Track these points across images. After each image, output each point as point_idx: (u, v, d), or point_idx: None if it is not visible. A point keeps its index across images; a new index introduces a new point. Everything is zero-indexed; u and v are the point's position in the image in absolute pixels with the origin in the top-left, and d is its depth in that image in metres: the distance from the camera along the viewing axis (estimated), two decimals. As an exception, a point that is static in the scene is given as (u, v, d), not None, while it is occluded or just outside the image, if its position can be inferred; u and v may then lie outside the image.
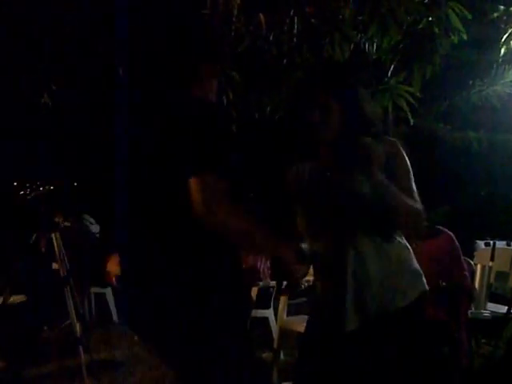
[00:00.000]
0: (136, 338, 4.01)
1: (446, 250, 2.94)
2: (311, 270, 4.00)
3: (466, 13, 3.14)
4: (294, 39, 3.07)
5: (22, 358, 3.26)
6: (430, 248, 2.93)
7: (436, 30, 3.17)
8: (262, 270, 3.79)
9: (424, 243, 2.94)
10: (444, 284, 2.83)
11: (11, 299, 3.10)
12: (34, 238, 2.99)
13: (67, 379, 3.13)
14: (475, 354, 3.22)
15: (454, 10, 3.10)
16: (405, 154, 1.62)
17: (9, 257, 3.82)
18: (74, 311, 2.92)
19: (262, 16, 2.88)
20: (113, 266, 4.43)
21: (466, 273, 2.98)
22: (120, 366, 3.43)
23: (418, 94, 3.16)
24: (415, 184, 1.62)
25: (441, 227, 3.05)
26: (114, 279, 4.44)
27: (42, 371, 3.31)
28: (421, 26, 3.22)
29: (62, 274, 2.97)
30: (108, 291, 4.53)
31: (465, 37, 3.21)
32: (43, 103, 3.10)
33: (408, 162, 1.61)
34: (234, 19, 2.95)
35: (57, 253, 2.96)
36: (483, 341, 3.52)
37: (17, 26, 3.24)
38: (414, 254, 2.88)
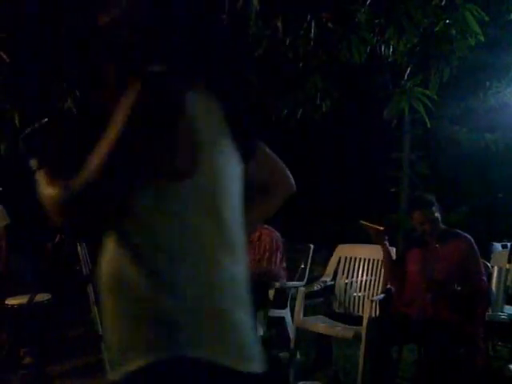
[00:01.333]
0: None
1: (465, 254, 2.94)
2: (327, 270, 4.03)
3: (483, 14, 3.14)
4: (311, 43, 3.10)
5: (47, 354, 3.35)
6: (448, 251, 2.95)
7: (453, 32, 3.18)
8: (277, 272, 3.83)
9: (443, 246, 2.96)
10: (459, 288, 2.85)
11: (37, 297, 3.18)
12: (57, 238, 3.07)
13: (90, 375, 3.20)
14: (492, 356, 3.23)
15: (470, 11, 3.11)
16: None
17: (34, 257, 3.93)
18: (96, 309, 2.98)
19: (279, 21, 2.93)
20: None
21: (484, 276, 2.98)
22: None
23: (434, 97, 3.17)
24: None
25: (459, 231, 3.06)
26: None
27: (66, 367, 3.40)
28: (437, 29, 3.23)
29: (84, 273, 3.04)
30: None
31: (482, 39, 3.21)
32: (67, 108, 3.19)
33: None
34: (251, 23, 3.00)
35: (80, 252, 3.04)
36: (500, 343, 3.51)
37: (42, 29, 3.33)
38: (434, 256, 2.93)
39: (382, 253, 3.14)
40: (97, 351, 3.17)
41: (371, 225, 3.09)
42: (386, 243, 3.11)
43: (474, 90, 5.89)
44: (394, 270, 3.13)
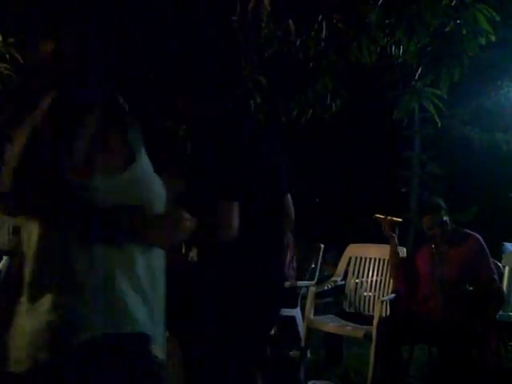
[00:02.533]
0: (167, 334, 4.13)
1: (475, 254, 2.94)
2: (338, 270, 4.03)
3: (494, 14, 3.13)
4: (322, 43, 3.12)
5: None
6: (458, 251, 2.95)
7: (463, 31, 3.18)
8: (286, 271, 3.84)
9: (452, 246, 2.97)
10: (471, 288, 2.84)
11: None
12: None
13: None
14: (503, 356, 3.21)
15: (481, 11, 3.10)
16: None
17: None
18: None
19: (291, 22, 2.95)
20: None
21: (495, 276, 2.98)
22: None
23: (445, 96, 3.17)
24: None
25: (469, 231, 3.06)
26: None
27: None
28: (448, 29, 3.23)
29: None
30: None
31: (493, 38, 3.21)
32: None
33: None
34: (262, 25, 3.02)
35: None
36: (511, 344, 3.50)
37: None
38: (444, 258, 2.93)
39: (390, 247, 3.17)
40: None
41: (389, 217, 3.12)
42: (395, 236, 3.13)
43: (485, 90, 5.87)
44: (400, 263, 3.15)
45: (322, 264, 4.09)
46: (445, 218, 2.99)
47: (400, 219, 3.14)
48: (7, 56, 3.50)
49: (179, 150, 1.72)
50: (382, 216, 3.16)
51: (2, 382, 1.11)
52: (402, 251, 3.26)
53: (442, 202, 3.07)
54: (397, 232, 3.15)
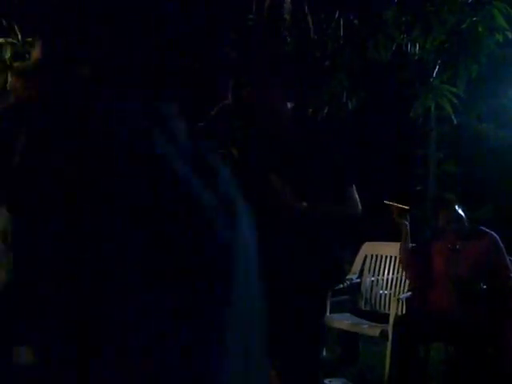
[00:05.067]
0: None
1: (490, 251, 2.93)
2: (353, 268, 4.04)
3: (511, 11, 3.11)
4: (341, 41, 3.13)
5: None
6: (473, 249, 2.94)
7: (480, 29, 3.16)
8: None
9: (468, 244, 2.95)
10: (485, 287, 2.83)
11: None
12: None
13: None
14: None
15: (498, 8, 3.08)
16: None
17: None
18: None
19: (309, 20, 2.96)
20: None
21: (512, 274, 2.96)
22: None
23: (461, 94, 3.16)
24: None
25: (485, 228, 3.05)
26: None
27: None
28: (464, 26, 3.21)
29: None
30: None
31: (510, 35, 3.18)
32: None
33: None
34: (286, 24, 3.03)
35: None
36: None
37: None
38: (459, 254, 2.92)
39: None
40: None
41: (396, 204, 3.13)
42: (407, 224, 3.12)
43: (501, 87, 5.81)
44: (409, 253, 3.14)
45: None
46: (460, 212, 2.99)
47: (407, 207, 3.14)
48: (27, 55, 3.57)
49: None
50: (391, 203, 3.16)
51: None
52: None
53: (454, 198, 3.09)
54: (408, 219, 3.14)
